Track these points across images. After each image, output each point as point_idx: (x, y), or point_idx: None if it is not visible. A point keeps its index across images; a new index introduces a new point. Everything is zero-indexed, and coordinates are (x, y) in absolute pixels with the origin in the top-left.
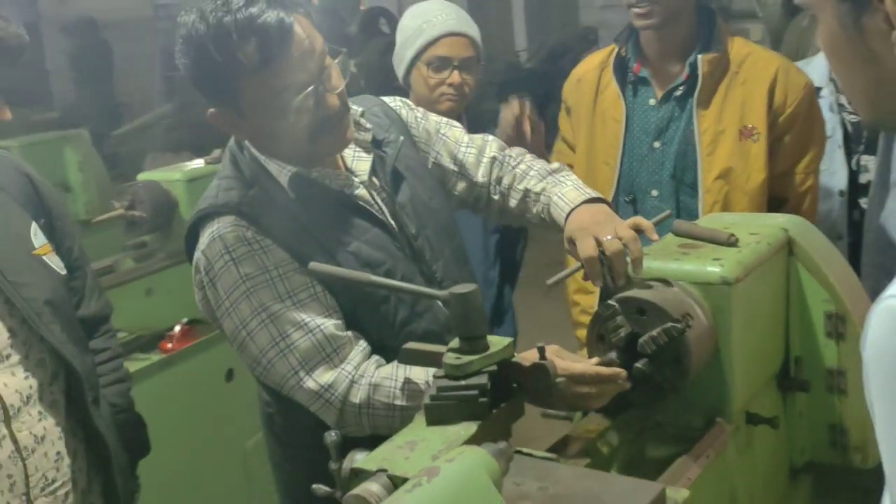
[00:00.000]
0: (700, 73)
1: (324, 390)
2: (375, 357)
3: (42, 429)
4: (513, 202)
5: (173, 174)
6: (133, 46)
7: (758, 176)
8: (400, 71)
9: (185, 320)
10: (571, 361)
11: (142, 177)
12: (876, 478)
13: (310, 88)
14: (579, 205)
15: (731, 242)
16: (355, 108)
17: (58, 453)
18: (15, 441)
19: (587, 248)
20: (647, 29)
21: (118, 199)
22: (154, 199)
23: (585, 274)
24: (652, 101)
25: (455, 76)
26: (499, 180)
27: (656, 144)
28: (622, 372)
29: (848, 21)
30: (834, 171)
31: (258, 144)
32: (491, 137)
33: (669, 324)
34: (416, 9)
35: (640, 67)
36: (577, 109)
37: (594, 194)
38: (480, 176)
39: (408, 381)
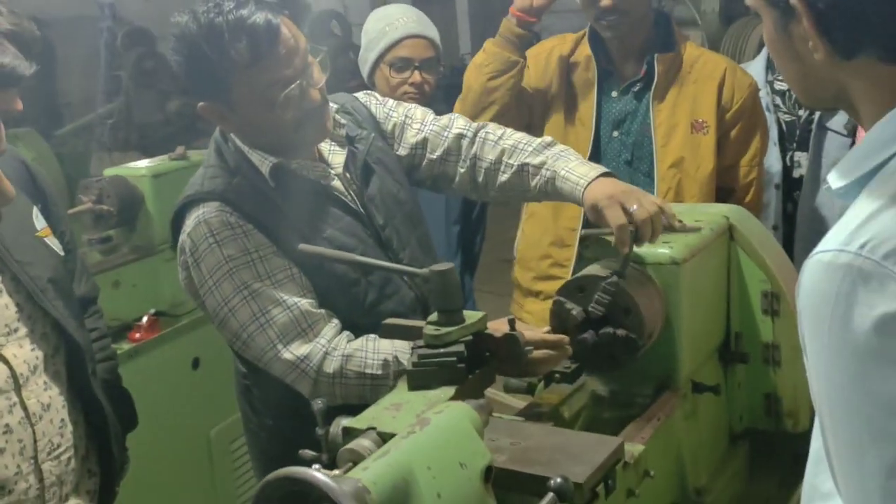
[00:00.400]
0: (656, 70)
1: (300, 361)
2: (346, 332)
3: (48, 397)
4: (505, 177)
5: (140, 170)
6: (76, 45)
7: (707, 165)
8: (364, 71)
9: (151, 311)
10: (524, 330)
11: (108, 172)
12: (805, 442)
13: (296, 83)
14: (596, 178)
15: (680, 228)
16: (332, 105)
17: (62, 421)
18: (25, 408)
19: (618, 217)
20: (614, 38)
21: (85, 193)
22: (121, 193)
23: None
24: (614, 94)
25: (416, 76)
26: (477, 156)
27: (615, 134)
28: (564, 338)
29: (779, 26)
30: (769, 166)
31: (243, 136)
32: (456, 115)
33: (602, 283)
34: (379, 12)
35: (606, 60)
36: (545, 79)
37: (603, 169)
38: (441, 150)
39: (377, 351)
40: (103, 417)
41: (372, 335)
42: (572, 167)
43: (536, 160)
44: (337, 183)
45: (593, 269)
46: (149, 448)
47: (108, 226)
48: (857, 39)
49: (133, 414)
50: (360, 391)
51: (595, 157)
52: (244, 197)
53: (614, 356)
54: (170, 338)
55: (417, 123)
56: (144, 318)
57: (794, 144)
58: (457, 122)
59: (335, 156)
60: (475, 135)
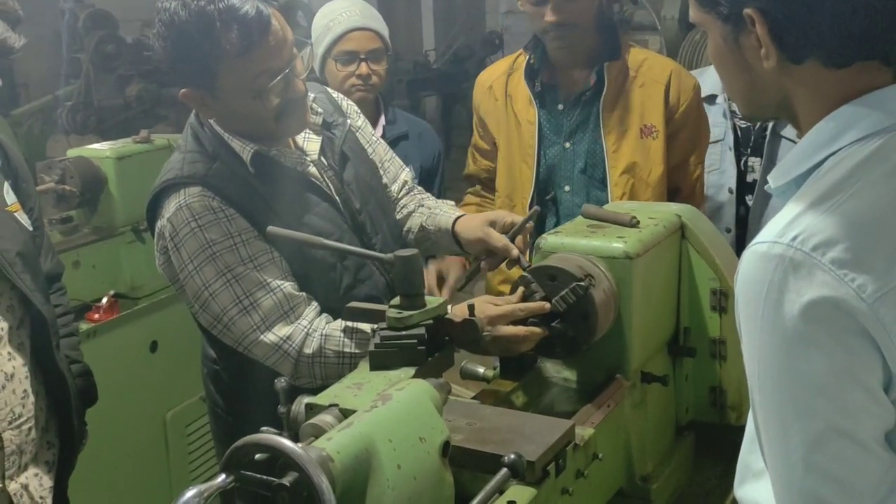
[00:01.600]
0: (606, 79)
1: (282, 342)
2: (325, 315)
3: (11, 367)
4: (400, 216)
5: (103, 151)
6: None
7: (658, 169)
8: (315, 66)
9: (111, 293)
10: (494, 306)
11: (72, 152)
12: None
13: (282, 74)
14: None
15: (633, 224)
16: (309, 94)
17: (24, 391)
18: None
19: (501, 239)
20: (560, 50)
21: (48, 173)
22: (84, 174)
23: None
24: (560, 107)
25: (363, 67)
26: (400, 200)
27: (567, 144)
28: (545, 305)
29: (729, 38)
30: (724, 171)
31: (224, 123)
32: (405, 166)
33: (574, 283)
34: (325, 9)
35: (549, 75)
36: (494, 115)
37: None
38: (394, 189)
39: (356, 330)
40: (66, 390)
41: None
42: (445, 209)
43: (429, 203)
44: (313, 169)
45: (570, 265)
46: (105, 428)
47: (69, 206)
48: (806, 45)
49: (93, 388)
50: (339, 370)
51: (550, 169)
52: (225, 182)
53: (553, 347)
54: (129, 320)
55: (381, 152)
56: (104, 299)
57: (749, 150)
58: (407, 172)
59: (310, 143)
60: (413, 189)
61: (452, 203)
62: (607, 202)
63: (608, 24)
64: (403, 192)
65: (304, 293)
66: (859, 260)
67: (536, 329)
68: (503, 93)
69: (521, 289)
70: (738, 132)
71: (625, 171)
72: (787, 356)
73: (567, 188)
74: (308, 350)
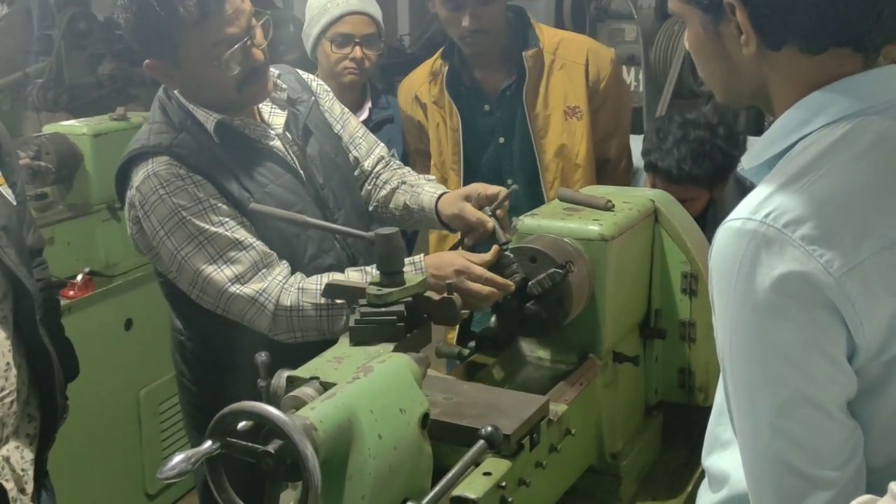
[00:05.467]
0: (526, 68)
1: (258, 294)
2: (299, 272)
3: None
4: (384, 192)
5: (80, 128)
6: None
7: (584, 148)
8: (308, 46)
9: (86, 270)
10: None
11: (48, 128)
12: None
13: (240, 42)
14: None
15: (608, 207)
16: (273, 71)
17: (7, 364)
18: None
19: (475, 213)
20: (476, 54)
21: (23, 149)
22: (60, 151)
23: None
24: (487, 108)
25: (357, 51)
26: (380, 175)
27: (501, 140)
28: (511, 286)
29: (709, 27)
30: None
31: (188, 93)
32: (379, 141)
33: (553, 269)
34: None
35: (470, 79)
36: (423, 123)
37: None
38: (367, 165)
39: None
40: (49, 364)
41: (325, 273)
42: (427, 186)
43: (411, 179)
44: (277, 143)
45: (552, 249)
46: (79, 405)
47: (44, 182)
48: (785, 31)
49: (75, 362)
50: (318, 323)
51: (492, 167)
52: (191, 151)
53: (547, 317)
54: (103, 297)
55: (352, 129)
56: (79, 277)
57: None
58: (382, 148)
59: (275, 117)
60: (390, 164)
61: (434, 178)
62: (542, 189)
63: (519, 13)
64: (380, 166)
65: (274, 252)
66: (827, 237)
67: (496, 292)
68: (428, 101)
69: (495, 247)
70: None
71: (555, 154)
72: (758, 326)
73: (510, 181)
74: (286, 302)
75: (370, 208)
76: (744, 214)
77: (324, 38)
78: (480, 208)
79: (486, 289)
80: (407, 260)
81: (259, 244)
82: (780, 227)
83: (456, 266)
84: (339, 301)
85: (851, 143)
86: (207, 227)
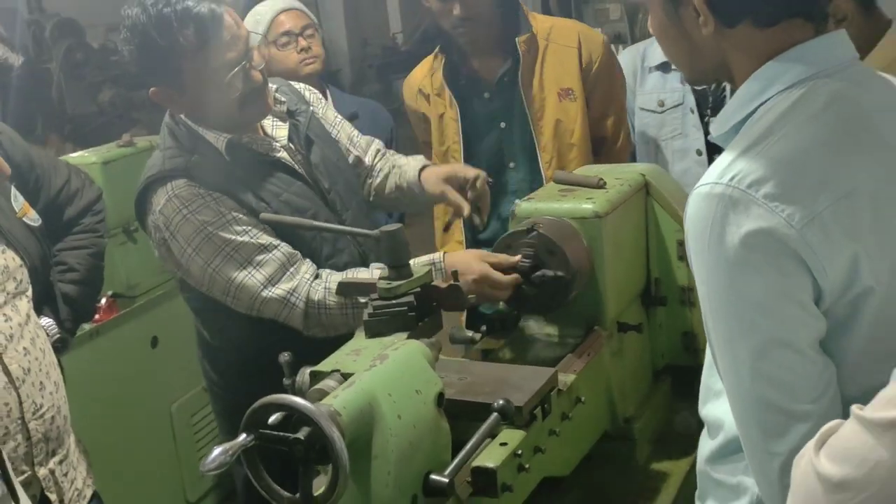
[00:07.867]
0: (520, 52)
1: (290, 294)
2: (325, 270)
3: (27, 362)
4: (379, 179)
5: (90, 157)
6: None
7: (579, 130)
8: None
9: (109, 293)
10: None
11: (60, 160)
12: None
13: (239, 66)
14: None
15: (600, 185)
16: (271, 85)
17: (41, 383)
18: (7, 373)
19: (456, 197)
20: (469, 43)
21: None
22: None
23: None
24: (487, 95)
25: (301, 41)
26: (376, 165)
27: (502, 125)
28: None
29: (670, 12)
30: (687, 134)
31: (194, 116)
32: (375, 139)
33: (559, 273)
34: (249, 13)
35: (468, 69)
36: (428, 115)
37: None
38: (368, 160)
39: (345, 279)
40: None
41: (351, 269)
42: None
43: (401, 161)
44: (283, 154)
45: (574, 253)
46: (116, 423)
47: None
48: (738, 9)
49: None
50: (345, 319)
51: (495, 152)
52: (206, 171)
53: (552, 296)
54: (128, 318)
55: (349, 130)
56: (103, 300)
57: (709, 111)
58: (377, 143)
59: (278, 130)
60: (386, 154)
61: (421, 157)
62: (540, 170)
63: (507, 1)
64: (378, 157)
65: (299, 252)
66: (788, 193)
67: (511, 292)
68: (431, 93)
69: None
70: (696, 94)
71: (551, 136)
72: (731, 280)
73: (512, 165)
74: (315, 297)
75: (370, 199)
76: (711, 179)
77: (269, 47)
78: (460, 190)
79: (504, 293)
80: (426, 257)
81: (284, 245)
82: (744, 189)
83: (475, 274)
84: (361, 299)
85: (806, 105)
86: (233, 237)
